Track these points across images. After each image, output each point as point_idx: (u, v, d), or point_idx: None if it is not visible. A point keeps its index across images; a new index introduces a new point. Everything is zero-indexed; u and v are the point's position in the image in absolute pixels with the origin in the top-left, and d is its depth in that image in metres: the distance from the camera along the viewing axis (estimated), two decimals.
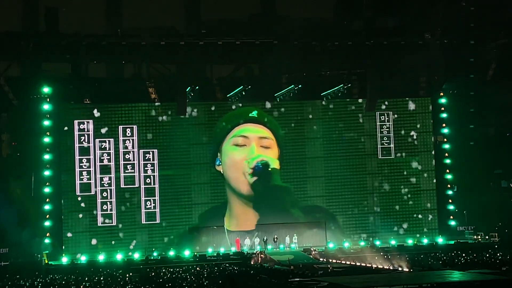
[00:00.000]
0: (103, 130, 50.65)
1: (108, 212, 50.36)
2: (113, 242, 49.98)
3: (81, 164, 50.20)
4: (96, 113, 50.54)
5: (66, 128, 50.21)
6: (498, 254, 44.31)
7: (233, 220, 51.84)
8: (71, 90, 50.36)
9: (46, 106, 49.88)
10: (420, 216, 54.02)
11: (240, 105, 52.48)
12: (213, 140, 51.92)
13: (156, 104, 51.73)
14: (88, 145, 50.38)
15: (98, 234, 50.20)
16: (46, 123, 49.77)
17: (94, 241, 49.86)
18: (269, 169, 51.45)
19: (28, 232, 47.78)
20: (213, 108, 52.42)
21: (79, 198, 50.08)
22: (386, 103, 54.23)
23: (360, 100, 53.99)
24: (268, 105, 52.88)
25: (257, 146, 51.62)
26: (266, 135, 52.09)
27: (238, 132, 51.83)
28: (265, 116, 52.40)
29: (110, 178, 50.48)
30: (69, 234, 49.73)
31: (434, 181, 54.53)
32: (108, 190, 50.41)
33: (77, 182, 50.08)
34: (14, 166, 51.60)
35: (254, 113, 52.15)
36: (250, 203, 51.75)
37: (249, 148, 51.53)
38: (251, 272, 39.05)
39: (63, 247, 49.17)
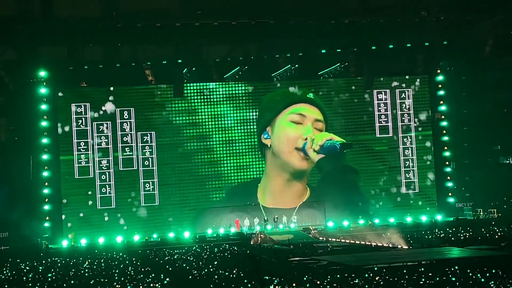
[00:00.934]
0: (100, 113, 50.57)
1: (107, 195, 50.35)
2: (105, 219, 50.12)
3: (79, 148, 50.19)
4: (93, 96, 50.53)
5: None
6: (497, 230, 44.47)
7: (271, 196, 52.00)
8: (68, 74, 50.24)
9: (43, 90, 49.82)
10: (418, 193, 54.11)
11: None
12: (261, 114, 52.10)
13: (153, 86, 51.63)
14: (86, 128, 50.35)
15: (98, 217, 50.22)
16: (43, 107, 49.73)
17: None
18: (349, 149, 52.08)
19: (27, 216, 47.81)
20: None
21: (78, 182, 50.05)
22: (382, 80, 54.19)
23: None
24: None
25: (312, 127, 51.81)
26: (321, 118, 52.43)
27: (296, 110, 52.01)
28: (319, 100, 52.87)
29: (108, 161, 50.48)
30: (68, 222, 49.78)
31: (432, 158, 54.57)
32: (107, 173, 50.42)
33: (75, 165, 50.08)
34: (12, 150, 51.56)
35: (311, 95, 52.52)
36: (302, 181, 52.04)
37: (306, 127, 51.63)
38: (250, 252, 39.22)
39: (63, 231, 49.22)
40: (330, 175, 52.38)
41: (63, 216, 49.81)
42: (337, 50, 53.25)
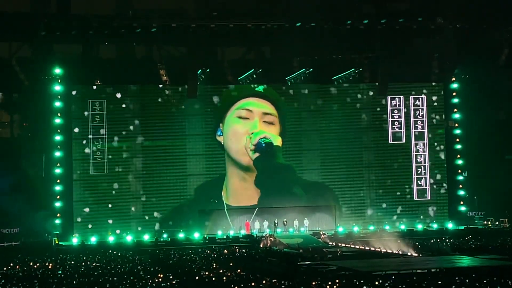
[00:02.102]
0: (114, 112, 50.71)
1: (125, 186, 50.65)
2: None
3: (95, 143, 50.29)
4: (107, 94, 50.69)
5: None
6: (508, 240, 44.25)
7: (232, 195, 51.91)
8: (82, 71, 50.39)
9: (57, 87, 49.98)
10: (430, 200, 53.95)
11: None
12: (216, 110, 51.92)
13: (167, 86, 51.73)
14: (101, 124, 50.48)
15: (111, 214, 50.37)
16: (57, 104, 49.89)
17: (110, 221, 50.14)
18: (273, 147, 51.50)
19: (39, 213, 47.97)
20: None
21: (92, 178, 50.23)
22: (397, 86, 54.09)
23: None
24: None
25: (260, 121, 51.67)
26: (270, 111, 52.12)
27: (243, 105, 51.89)
28: (272, 93, 52.42)
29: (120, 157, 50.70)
30: (78, 219, 49.94)
31: (445, 165, 54.41)
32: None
33: (91, 161, 50.23)
34: (25, 146, 51.75)
35: (260, 88, 52.22)
36: (251, 179, 51.79)
37: (252, 122, 51.58)
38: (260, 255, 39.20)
39: (74, 228, 49.32)
40: (268, 174, 51.83)
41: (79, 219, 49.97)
42: (352, 56, 53.19)
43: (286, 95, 53.30)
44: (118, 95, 50.79)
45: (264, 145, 51.27)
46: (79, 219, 49.74)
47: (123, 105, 50.93)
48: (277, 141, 51.82)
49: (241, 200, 51.85)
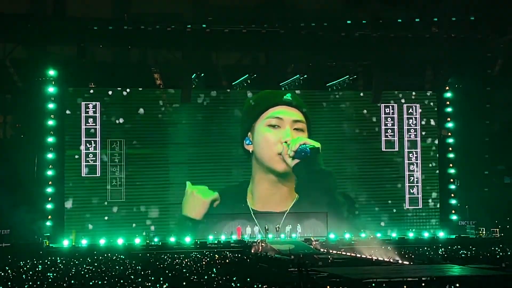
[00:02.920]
0: (107, 113, 50.71)
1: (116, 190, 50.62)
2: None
3: (88, 146, 50.22)
4: (101, 97, 50.65)
5: (68, 112, 50.24)
6: (499, 250, 44.32)
7: (259, 200, 51.94)
8: (77, 74, 50.33)
9: (51, 89, 49.92)
10: (421, 209, 54.01)
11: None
12: (243, 120, 52.07)
13: (161, 90, 51.71)
14: (95, 127, 50.42)
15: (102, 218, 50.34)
16: (51, 105, 49.81)
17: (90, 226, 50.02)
18: (318, 152, 51.75)
19: (29, 214, 47.83)
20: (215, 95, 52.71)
21: (84, 181, 50.15)
22: (390, 94, 54.16)
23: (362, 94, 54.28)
24: None
25: (291, 129, 51.78)
26: (300, 119, 52.29)
27: (273, 114, 51.97)
28: (297, 100, 52.65)
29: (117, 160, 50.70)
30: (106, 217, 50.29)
31: (437, 174, 54.50)
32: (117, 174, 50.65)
33: (83, 163, 50.14)
34: (17, 148, 51.62)
35: (288, 96, 52.39)
36: (285, 185, 51.94)
37: (284, 130, 51.66)
38: (250, 260, 39.14)
39: (64, 230, 49.20)
40: (308, 179, 52.06)
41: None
42: (346, 63, 53.27)
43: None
44: (111, 100, 50.73)
45: (309, 150, 51.24)
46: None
47: (116, 108, 50.87)
48: (318, 148, 52.00)
49: (270, 206, 51.93)
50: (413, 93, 54.71)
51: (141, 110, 51.21)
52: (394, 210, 53.77)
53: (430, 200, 54.27)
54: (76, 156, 50.14)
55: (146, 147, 51.30)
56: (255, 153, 51.83)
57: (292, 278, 31.27)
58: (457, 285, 27.65)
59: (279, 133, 51.70)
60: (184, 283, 29.12)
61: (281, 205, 52.06)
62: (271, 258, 41.06)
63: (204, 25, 49.78)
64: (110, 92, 51.00)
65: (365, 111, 53.93)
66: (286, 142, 51.33)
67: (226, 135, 52.10)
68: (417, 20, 52.71)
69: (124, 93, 51.23)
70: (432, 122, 54.79)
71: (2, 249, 45.17)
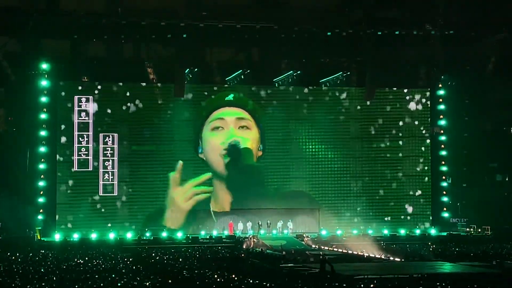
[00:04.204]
0: (101, 107, 50.62)
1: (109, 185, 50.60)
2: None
3: (80, 140, 50.12)
4: (94, 91, 50.58)
5: (69, 104, 50.22)
6: (490, 247, 44.44)
7: (217, 202, 52.02)
8: (70, 68, 50.24)
9: (44, 83, 49.82)
10: (413, 206, 54.10)
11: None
12: (193, 131, 51.88)
13: (154, 85, 51.67)
14: (87, 121, 50.32)
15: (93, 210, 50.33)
16: (43, 99, 49.71)
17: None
18: (240, 148, 51.51)
19: (21, 208, 47.77)
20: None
21: (75, 174, 50.05)
22: (383, 91, 54.21)
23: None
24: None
25: (235, 127, 51.77)
26: (243, 116, 52.21)
27: (215, 117, 51.92)
28: (242, 99, 52.47)
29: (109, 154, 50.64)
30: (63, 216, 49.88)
31: (429, 172, 54.58)
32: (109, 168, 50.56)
33: (75, 158, 50.04)
34: (10, 141, 51.52)
35: (230, 97, 52.27)
36: (225, 184, 51.90)
37: (228, 130, 51.69)
38: (242, 256, 39.17)
39: (56, 224, 49.14)
40: (238, 177, 51.94)
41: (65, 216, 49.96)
42: (340, 59, 53.31)
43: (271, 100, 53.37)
44: (104, 94, 50.65)
45: (230, 146, 51.32)
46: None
47: (109, 102, 50.83)
48: (247, 143, 51.76)
49: (223, 206, 52.09)
50: (407, 90, 54.75)
51: (133, 105, 51.15)
52: (388, 206, 53.79)
53: (421, 198, 54.32)
54: (68, 152, 50.01)
55: (139, 142, 51.27)
56: (207, 161, 51.83)
57: (283, 274, 31.33)
58: (448, 282, 27.72)
59: (223, 135, 51.70)
60: (179, 277, 29.19)
61: (226, 205, 52.14)
62: (262, 253, 41.08)
63: (198, 21, 49.72)
64: (102, 87, 50.87)
65: (359, 107, 53.91)
66: (223, 142, 51.31)
67: None
68: (410, 17, 52.77)
69: (117, 87, 51.16)
70: (425, 120, 54.80)
71: None
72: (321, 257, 33.80)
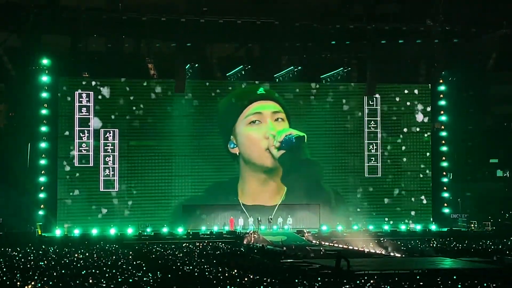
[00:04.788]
0: (101, 103, 50.59)
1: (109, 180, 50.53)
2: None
3: (81, 135, 50.14)
4: (95, 87, 50.58)
5: (69, 98, 50.12)
6: (490, 243, 44.48)
7: (249, 196, 51.92)
8: (70, 63, 50.24)
9: (45, 78, 49.80)
10: (413, 201, 54.12)
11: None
12: (222, 124, 51.80)
13: (155, 80, 51.68)
14: (88, 116, 50.36)
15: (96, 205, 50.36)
16: (44, 95, 49.70)
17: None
18: (304, 141, 51.64)
19: (22, 204, 47.82)
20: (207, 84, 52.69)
21: (76, 170, 50.04)
22: (384, 86, 54.19)
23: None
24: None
25: (272, 120, 51.69)
26: (278, 109, 52.21)
27: (251, 111, 51.73)
28: (271, 92, 52.58)
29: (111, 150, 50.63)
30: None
31: (430, 168, 54.57)
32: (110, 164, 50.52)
33: (76, 153, 50.08)
34: (10, 137, 51.53)
35: (261, 90, 52.23)
36: (274, 180, 51.89)
37: (266, 124, 51.57)
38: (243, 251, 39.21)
39: (57, 219, 49.16)
40: (295, 170, 51.98)
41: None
42: (341, 55, 53.28)
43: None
44: (104, 90, 50.65)
45: (294, 139, 51.20)
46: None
47: (110, 98, 50.84)
48: (301, 137, 51.93)
49: (260, 201, 51.92)
50: (407, 85, 54.69)
51: (134, 100, 51.11)
52: (386, 202, 53.84)
53: (422, 193, 54.32)
54: (68, 147, 50.01)
55: (139, 138, 51.28)
56: (242, 155, 51.68)
57: (284, 269, 31.35)
58: (449, 277, 27.75)
59: (262, 129, 51.57)
60: (180, 273, 29.23)
61: (272, 200, 52.08)
62: (263, 249, 41.13)
63: (198, 16, 49.69)
64: (103, 82, 50.88)
65: (359, 103, 53.85)
66: (272, 134, 51.25)
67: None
68: (411, 13, 52.75)
69: (117, 83, 51.15)
70: (425, 115, 54.77)
71: None
72: (337, 252, 33.80)
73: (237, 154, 51.66)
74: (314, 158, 52.63)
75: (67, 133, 50.05)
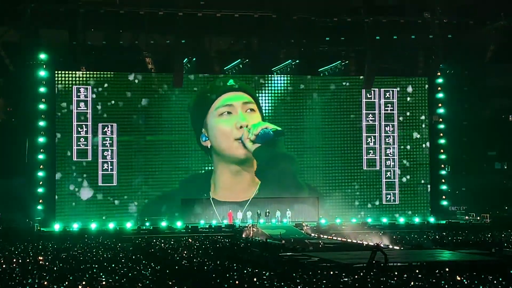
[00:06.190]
0: (99, 97, 50.61)
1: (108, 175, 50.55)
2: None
3: (79, 130, 50.12)
4: (92, 81, 50.54)
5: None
6: (489, 235, 44.53)
7: (222, 190, 51.86)
8: (68, 57, 50.17)
9: (42, 73, 49.74)
10: (412, 195, 54.18)
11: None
12: (193, 118, 51.72)
13: (153, 74, 51.65)
14: (86, 111, 50.31)
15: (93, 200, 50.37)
16: (42, 89, 49.65)
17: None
18: (283, 135, 51.68)
19: (21, 199, 47.82)
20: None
21: (75, 164, 50.09)
22: (382, 79, 54.17)
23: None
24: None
25: (243, 111, 51.58)
26: (249, 100, 52.11)
27: (221, 103, 51.64)
28: (241, 83, 52.45)
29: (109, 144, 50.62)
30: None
31: (428, 160, 54.60)
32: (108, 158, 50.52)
33: (74, 148, 50.03)
34: (9, 132, 51.50)
35: (231, 82, 52.09)
36: (247, 171, 51.77)
37: (236, 115, 51.45)
38: (242, 245, 39.22)
39: (56, 214, 49.17)
40: (271, 164, 51.94)
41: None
42: (339, 48, 53.25)
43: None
44: (102, 84, 50.60)
45: (272, 133, 51.13)
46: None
47: (108, 92, 50.82)
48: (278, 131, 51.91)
49: (232, 195, 51.87)
50: (405, 78, 54.70)
51: (133, 94, 51.11)
52: (384, 195, 53.87)
53: (420, 186, 54.36)
54: (67, 142, 50.00)
55: (138, 132, 51.28)
56: (213, 147, 51.64)
57: (283, 263, 31.36)
58: (447, 270, 27.76)
59: (232, 119, 51.42)
60: (178, 266, 29.23)
61: (245, 193, 51.96)
62: (262, 242, 41.14)
63: (196, 10, 49.62)
64: (101, 76, 50.88)
65: (357, 95, 53.87)
66: (246, 126, 51.09)
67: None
68: (409, 5, 52.70)
69: (115, 77, 51.12)
70: (423, 108, 54.75)
71: None
72: (375, 244, 33.66)
73: (209, 147, 51.56)
74: (290, 153, 52.47)
75: (65, 127, 50.01)
